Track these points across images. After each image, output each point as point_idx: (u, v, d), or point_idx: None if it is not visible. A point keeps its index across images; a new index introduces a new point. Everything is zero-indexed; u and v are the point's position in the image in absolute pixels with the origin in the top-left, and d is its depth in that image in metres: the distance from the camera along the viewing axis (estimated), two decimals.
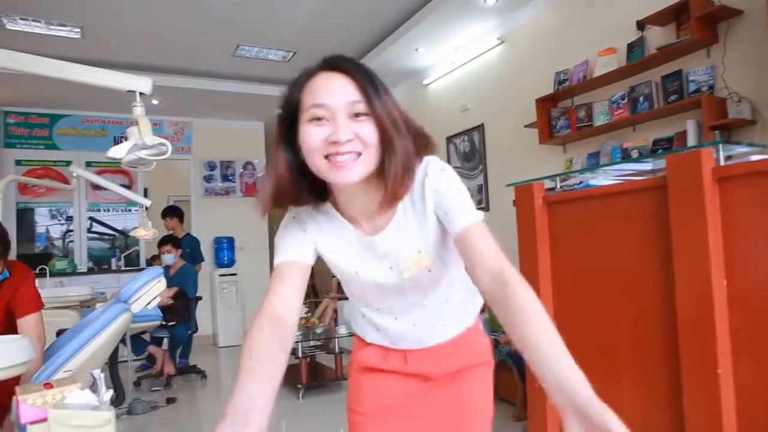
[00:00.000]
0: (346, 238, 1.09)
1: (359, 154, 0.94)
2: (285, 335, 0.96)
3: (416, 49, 5.61)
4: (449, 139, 5.76)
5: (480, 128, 5.31)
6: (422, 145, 1.03)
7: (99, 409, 1.63)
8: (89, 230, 7.34)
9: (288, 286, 1.02)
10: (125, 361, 4.40)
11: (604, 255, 1.96)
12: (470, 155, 5.48)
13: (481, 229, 0.95)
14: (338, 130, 0.92)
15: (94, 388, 1.83)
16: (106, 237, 7.39)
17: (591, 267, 2.01)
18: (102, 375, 1.85)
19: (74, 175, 4.61)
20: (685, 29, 3.41)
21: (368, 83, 0.96)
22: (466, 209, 0.98)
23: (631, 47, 3.78)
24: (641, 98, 3.69)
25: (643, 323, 1.78)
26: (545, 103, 4.36)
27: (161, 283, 3.06)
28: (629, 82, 3.80)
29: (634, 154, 3.71)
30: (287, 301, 0.99)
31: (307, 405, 4.29)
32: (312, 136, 0.94)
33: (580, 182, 2.07)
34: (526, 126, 4.53)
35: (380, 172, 0.98)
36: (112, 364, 3.03)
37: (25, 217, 7.12)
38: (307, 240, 1.08)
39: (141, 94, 2.21)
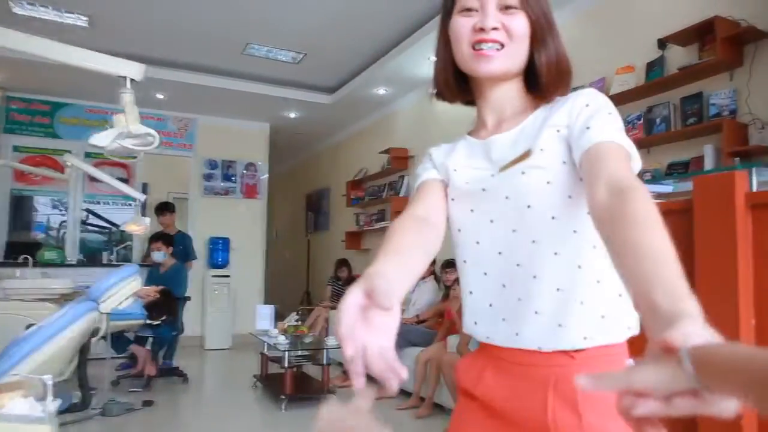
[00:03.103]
0: (466, 152, 1.03)
1: (503, 46, 0.92)
2: (429, 232, 0.92)
3: (428, 58, 5.47)
4: None
5: None
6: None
7: (41, 421, 1.46)
8: (85, 222, 7.21)
9: (428, 197, 1.00)
10: (103, 358, 4.24)
11: None
12: None
13: (619, 151, 0.81)
14: (485, 17, 0.91)
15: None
16: (103, 230, 7.25)
17: None
18: (51, 383, 1.67)
19: (68, 164, 4.47)
20: (708, 50, 3.26)
21: None
22: (612, 129, 0.84)
23: (650, 66, 3.62)
24: (658, 120, 3.53)
25: None
26: None
27: (136, 282, 2.89)
28: (647, 102, 3.64)
29: (647, 177, 3.54)
30: (430, 206, 0.98)
31: (290, 417, 4.10)
32: (459, 24, 0.94)
33: None
34: None
35: (526, 77, 0.97)
36: (82, 364, 2.85)
37: (21, 204, 7.00)
38: (433, 164, 1.07)
39: (132, 80, 2.04)
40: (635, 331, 0.88)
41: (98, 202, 7.18)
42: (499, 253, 0.93)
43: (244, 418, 4.13)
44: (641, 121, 3.63)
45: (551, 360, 0.87)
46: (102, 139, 2.00)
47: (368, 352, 0.65)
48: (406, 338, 4.69)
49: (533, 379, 0.88)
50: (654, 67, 3.61)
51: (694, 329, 0.46)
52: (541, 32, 0.93)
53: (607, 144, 0.81)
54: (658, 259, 0.60)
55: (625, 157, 0.80)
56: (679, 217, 1.53)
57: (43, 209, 7.15)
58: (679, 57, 3.46)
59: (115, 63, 2.06)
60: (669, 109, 3.47)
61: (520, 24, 0.92)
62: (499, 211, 0.93)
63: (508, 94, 0.98)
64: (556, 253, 0.88)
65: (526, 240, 0.90)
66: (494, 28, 0.91)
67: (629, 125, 3.70)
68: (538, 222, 0.89)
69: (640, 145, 3.63)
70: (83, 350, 2.91)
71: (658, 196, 1.94)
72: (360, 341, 0.65)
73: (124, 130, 1.97)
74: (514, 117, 0.98)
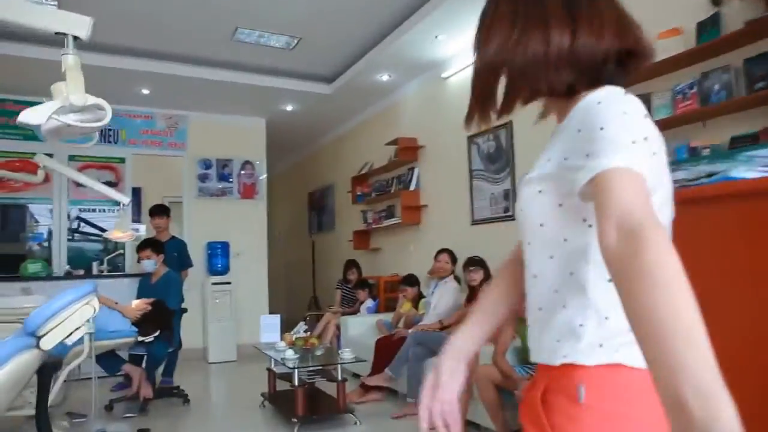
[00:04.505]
0: None
1: None
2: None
3: (436, 37, 4.99)
4: (471, 139, 5.12)
5: (508, 126, 4.68)
6: None
7: None
8: (77, 231, 6.74)
9: None
10: (88, 378, 3.74)
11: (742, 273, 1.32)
12: (495, 156, 4.84)
13: (624, 178, 0.70)
14: None
15: None
16: (93, 239, 6.77)
17: (722, 286, 1.37)
18: None
19: (41, 165, 3.99)
20: None
21: None
22: (615, 150, 0.73)
23: (701, 26, 3.14)
24: (716, 87, 3.04)
25: None
26: None
27: (87, 308, 2.40)
28: (700, 68, 3.16)
29: (706, 153, 3.06)
30: None
31: None
32: None
33: (710, 175, 1.44)
34: None
35: None
36: (41, 403, 2.37)
37: (8, 214, 6.55)
38: None
39: (75, 39, 1.56)
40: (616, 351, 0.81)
41: (87, 209, 6.70)
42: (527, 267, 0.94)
43: None
44: (694, 90, 3.14)
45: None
46: (34, 116, 1.51)
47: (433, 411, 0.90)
48: (427, 347, 4.21)
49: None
50: (706, 27, 3.12)
51: None
52: None
53: (608, 174, 0.71)
54: (685, 338, 0.56)
55: (634, 184, 0.70)
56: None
57: (30, 218, 6.68)
58: (737, 13, 2.98)
59: (50, 15, 1.57)
60: (729, 74, 2.99)
61: None
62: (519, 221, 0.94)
63: None
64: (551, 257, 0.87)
65: (532, 237, 0.91)
66: None
67: (679, 96, 3.23)
68: (534, 222, 0.89)
69: (695, 117, 3.16)
70: (42, 387, 2.43)
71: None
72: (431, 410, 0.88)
73: (66, 103, 1.48)
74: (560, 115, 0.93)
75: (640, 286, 0.61)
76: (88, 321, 2.40)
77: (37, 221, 6.57)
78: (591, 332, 0.81)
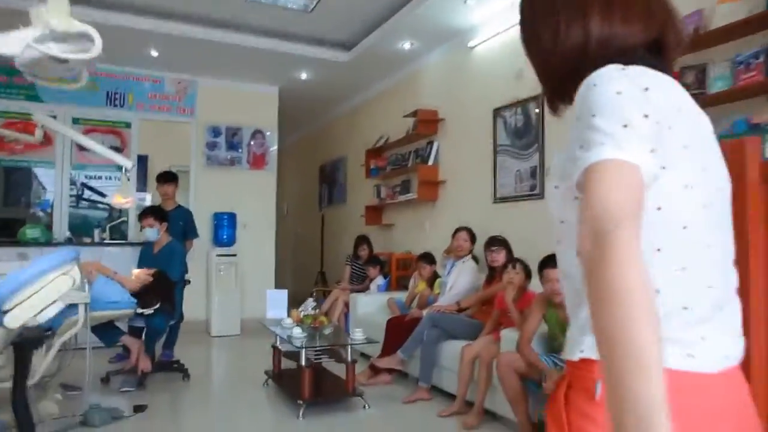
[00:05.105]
0: None
1: None
2: None
3: (465, 1, 4.64)
4: (497, 112, 4.80)
5: (537, 99, 4.36)
6: None
7: None
8: (80, 197, 6.51)
9: None
10: (83, 348, 3.52)
11: None
12: (523, 131, 4.53)
13: (602, 175, 0.68)
14: None
15: None
16: (95, 205, 6.55)
17: None
18: None
19: (38, 124, 3.71)
20: None
21: None
22: (598, 142, 0.70)
23: None
24: None
25: None
26: None
27: (64, 279, 2.13)
28: (766, 36, 2.83)
29: None
30: None
31: (309, 427, 3.41)
32: None
33: None
34: None
35: None
36: (17, 385, 2.13)
37: (11, 176, 6.34)
38: None
39: None
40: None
41: (93, 176, 6.46)
42: None
43: (253, 429, 3.45)
44: (760, 60, 2.81)
45: None
46: (7, 44, 1.22)
47: None
48: (444, 329, 3.96)
49: None
50: None
51: None
52: None
53: (592, 168, 0.69)
54: (635, 364, 0.58)
55: (616, 178, 0.67)
56: None
57: (35, 183, 6.46)
58: None
59: None
60: None
61: None
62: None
63: None
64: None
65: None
66: None
67: (740, 67, 2.90)
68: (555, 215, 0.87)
69: (758, 90, 2.84)
70: (20, 364, 2.18)
71: None
72: None
73: (46, 30, 1.20)
74: None
75: (600, 301, 0.62)
76: (83, 295, 2.13)
77: (44, 187, 6.34)
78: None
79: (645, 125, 0.71)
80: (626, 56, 0.80)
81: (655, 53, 0.84)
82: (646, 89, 0.74)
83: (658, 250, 0.74)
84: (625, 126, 0.70)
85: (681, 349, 0.73)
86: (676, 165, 0.74)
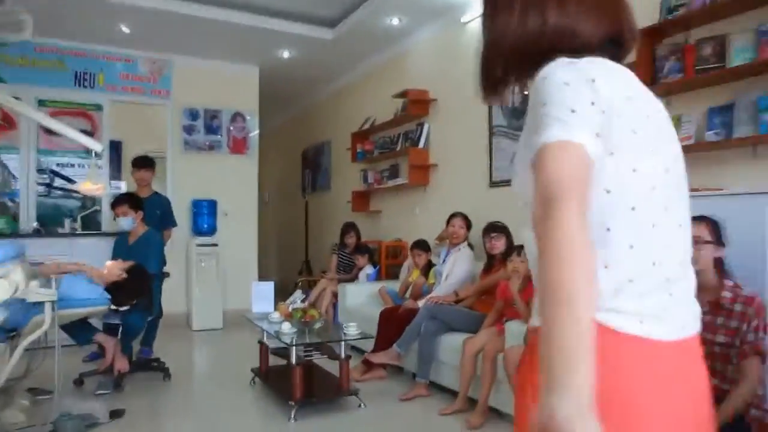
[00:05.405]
0: None
1: None
2: None
3: None
4: None
5: None
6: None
7: None
8: (49, 186, 6.13)
9: None
10: (51, 347, 3.22)
11: None
12: (522, 111, 4.29)
13: (548, 154, 0.76)
14: None
15: None
16: (75, 195, 6.17)
17: None
18: None
19: None
20: None
21: None
22: (546, 126, 0.77)
23: None
24: None
25: None
26: (646, 39, 3.17)
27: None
28: None
29: None
30: None
31: (302, 429, 3.17)
32: None
33: None
34: None
35: None
36: None
37: None
38: None
39: None
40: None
41: (65, 164, 6.08)
42: None
43: None
44: None
45: None
46: None
47: None
48: (443, 321, 3.74)
49: None
50: None
51: None
52: None
53: (542, 148, 0.77)
54: (566, 306, 0.67)
55: (564, 155, 0.75)
56: None
57: (3, 171, 6.05)
58: None
59: None
60: None
61: None
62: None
63: None
64: None
65: None
66: None
67: (765, 38, 2.69)
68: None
69: None
70: None
71: None
72: None
73: None
74: None
75: (543, 256, 0.71)
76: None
77: (14, 176, 5.91)
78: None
79: (591, 111, 0.77)
80: (582, 49, 0.86)
81: (610, 45, 0.90)
82: (593, 80, 0.79)
83: (608, 229, 0.81)
84: (573, 111, 0.77)
85: (636, 319, 0.80)
86: (624, 150, 0.80)
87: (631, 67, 2.78)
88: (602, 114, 0.78)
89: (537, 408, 0.64)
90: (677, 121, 3.12)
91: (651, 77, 3.16)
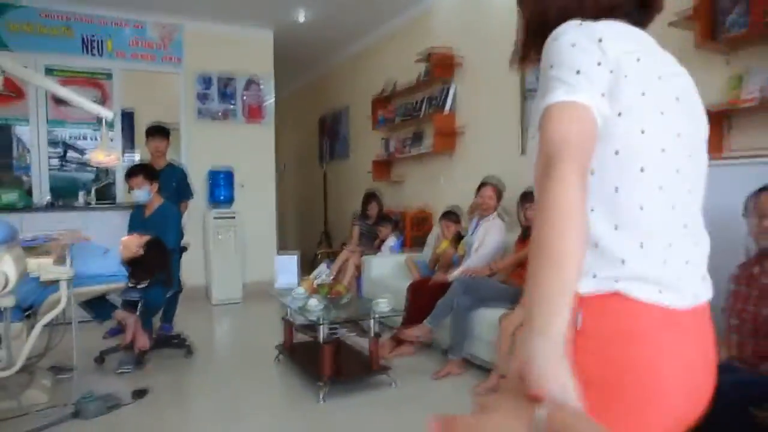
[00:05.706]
0: None
1: None
2: None
3: None
4: None
5: None
6: None
7: None
8: (62, 158, 5.98)
9: None
10: (68, 323, 3.09)
11: None
12: None
13: (550, 116, 0.78)
14: None
15: None
16: (89, 168, 6.04)
17: None
18: None
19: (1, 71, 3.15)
20: None
21: None
22: (551, 88, 0.79)
23: None
24: None
25: None
26: None
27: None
28: None
29: None
30: None
31: (332, 409, 3.03)
32: None
33: None
34: (669, 24, 3.00)
35: None
36: None
37: None
38: None
39: None
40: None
41: (78, 137, 5.91)
42: None
43: (268, 414, 3.06)
44: None
45: None
46: None
47: None
48: (475, 296, 3.55)
49: None
50: None
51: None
52: None
53: (547, 109, 0.78)
54: (553, 261, 0.69)
55: (568, 115, 0.77)
56: None
57: (17, 143, 5.90)
58: None
59: None
60: None
61: None
62: None
63: None
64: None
65: None
66: None
67: None
68: None
69: None
70: None
71: None
72: None
73: None
74: None
75: (540, 214, 0.73)
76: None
77: (27, 149, 5.74)
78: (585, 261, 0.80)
79: (597, 72, 0.79)
80: (613, 12, 0.88)
81: (639, 10, 0.92)
82: (600, 40, 0.80)
83: (616, 189, 0.81)
84: (578, 72, 0.78)
85: (656, 288, 0.80)
86: (633, 111, 0.81)
87: (688, 20, 2.46)
88: (610, 74, 0.79)
89: (516, 355, 0.68)
90: (738, 81, 2.84)
91: (710, 32, 2.86)
